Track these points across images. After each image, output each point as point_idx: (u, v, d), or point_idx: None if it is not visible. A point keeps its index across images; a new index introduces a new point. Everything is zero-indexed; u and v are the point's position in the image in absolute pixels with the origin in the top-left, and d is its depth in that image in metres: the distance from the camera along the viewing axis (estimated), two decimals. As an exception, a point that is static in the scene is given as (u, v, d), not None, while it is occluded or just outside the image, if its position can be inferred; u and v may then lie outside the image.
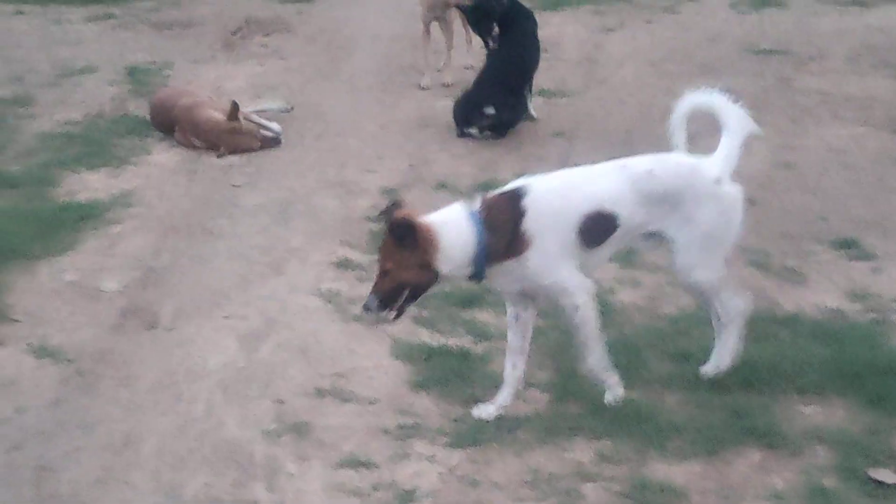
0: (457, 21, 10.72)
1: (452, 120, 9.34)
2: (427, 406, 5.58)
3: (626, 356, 5.87)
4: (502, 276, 5.31)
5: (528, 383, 5.67)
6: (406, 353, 6.04)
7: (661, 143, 8.88)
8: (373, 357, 6.02)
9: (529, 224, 5.21)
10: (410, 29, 11.43)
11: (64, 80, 10.65)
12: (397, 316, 5.30)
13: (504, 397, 5.48)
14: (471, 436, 5.29)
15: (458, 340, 6.15)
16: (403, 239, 5.08)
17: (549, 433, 5.31)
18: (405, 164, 8.72)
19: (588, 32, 12.20)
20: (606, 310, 6.39)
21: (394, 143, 9.20)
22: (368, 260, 7.06)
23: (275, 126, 9.19)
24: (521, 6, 9.68)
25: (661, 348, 6.07)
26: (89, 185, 8.30)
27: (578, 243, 5.31)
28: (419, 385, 5.75)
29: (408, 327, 6.27)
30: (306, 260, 7.12)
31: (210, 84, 10.47)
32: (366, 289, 6.55)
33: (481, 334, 6.22)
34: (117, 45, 11.78)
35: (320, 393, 5.66)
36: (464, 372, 5.82)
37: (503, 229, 5.21)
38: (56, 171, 8.50)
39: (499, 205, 5.28)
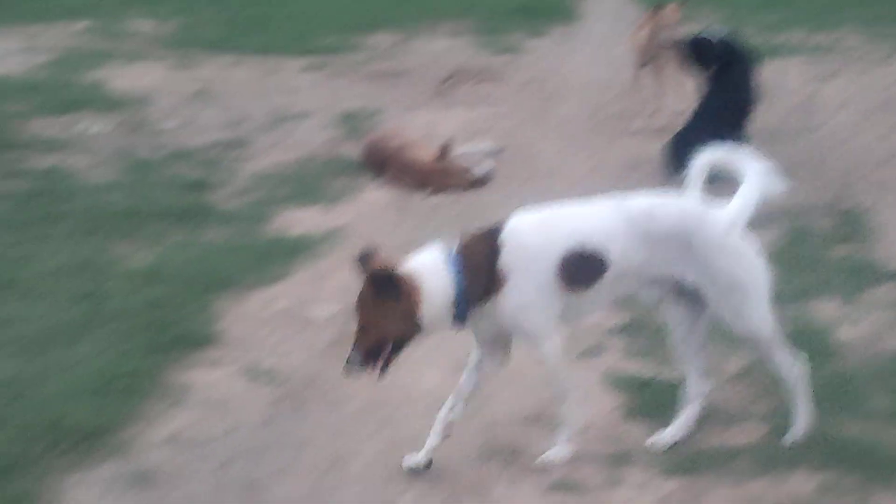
0: (669, 65, 10.56)
1: (664, 163, 9.15)
2: (640, 435, 5.38)
3: (846, 391, 5.61)
4: (482, 319, 4.97)
5: (744, 415, 5.45)
6: (619, 382, 5.87)
7: (879, 189, 8.67)
8: (584, 385, 5.85)
9: (505, 261, 4.88)
10: (621, 76, 11.34)
11: (279, 125, 10.87)
12: (383, 370, 4.95)
13: (433, 441, 5.12)
14: (685, 465, 5.08)
15: (671, 372, 5.93)
16: (385, 290, 4.75)
17: (767, 464, 5.07)
18: (615, 204, 8.55)
19: (803, 79, 11.94)
20: (825, 346, 6.15)
21: (603, 185, 8.99)
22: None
23: (484, 166, 9.17)
24: (740, 45, 9.45)
25: (883, 384, 5.77)
26: (301, 221, 8.40)
27: (560, 284, 4.95)
28: (632, 414, 5.57)
29: (620, 358, 6.11)
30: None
31: (421, 129, 10.53)
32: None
33: (696, 366, 5.99)
34: (331, 93, 12.00)
35: (530, 419, 5.53)
36: (677, 402, 5.60)
37: (480, 269, 4.89)
38: (269, 209, 8.64)
39: (476, 243, 4.97)
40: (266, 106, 11.47)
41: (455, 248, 4.94)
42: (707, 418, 5.41)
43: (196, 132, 10.74)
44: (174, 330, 6.40)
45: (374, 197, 8.94)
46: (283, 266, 7.49)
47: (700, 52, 9.36)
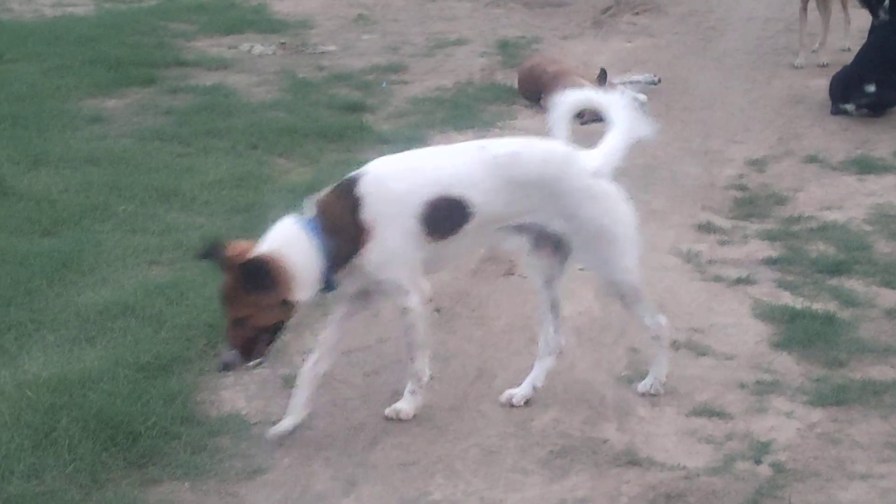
0: (835, 1, 10.32)
1: (828, 96, 8.97)
2: (787, 365, 5.34)
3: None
4: (349, 277, 4.67)
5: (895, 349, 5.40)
6: (768, 313, 5.82)
7: None
8: (732, 315, 5.83)
9: (368, 212, 4.58)
10: (785, 12, 11.16)
11: (437, 52, 10.94)
12: (261, 362, 4.76)
13: (297, 399, 4.78)
14: (833, 396, 5.02)
15: (824, 305, 5.87)
16: (255, 281, 4.41)
17: (920, 398, 4.99)
18: (774, 137, 8.47)
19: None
20: None
21: (763, 117, 8.94)
22: (731, 225, 6.92)
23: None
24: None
25: None
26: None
27: (423, 234, 4.68)
28: (780, 345, 5.52)
29: (770, 290, 6.07)
30: (666, 221, 7.00)
31: (578, 58, 10.49)
32: (726, 252, 6.50)
33: (848, 300, 5.92)
34: (489, 21, 12.03)
35: (676, 345, 5.50)
36: (828, 335, 5.54)
37: (343, 227, 4.58)
38: (425, 131, 8.72)
39: (333, 202, 4.65)
40: (424, 33, 11.55)
41: (311, 212, 4.64)
42: (857, 353, 5.35)
43: (355, 56, 10.87)
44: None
45: (528, 124, 8.93)
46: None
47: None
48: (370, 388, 5.18)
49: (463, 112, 9.14)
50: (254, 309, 4.47)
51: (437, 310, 5.92)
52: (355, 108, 9.23)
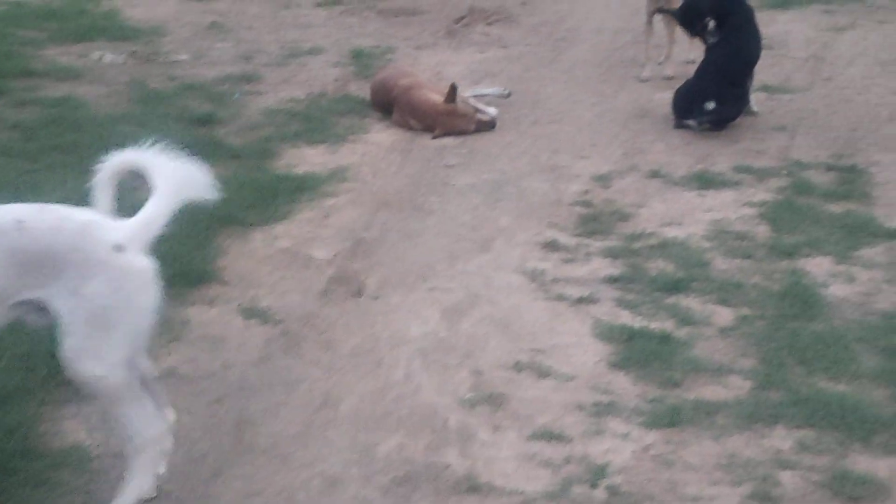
0: (680, 14, 10.56)
1: (671, 111, 9.20)
2: (624, 386, 5.51)
3: (834, 349, 5.73)
4: None
5: (729, 369, 5.58)
6: (607, 333, 5.97)
7: (888, 144, 8.71)
8: (573, 335, 5.97)
9: None
10: (633, 23, 11.38)
11: (290, 61, 10.91)
12: None
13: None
14: (667, 417, 5.20)
15: (661, 323, 6.05)
16: None
17: (748, 419, 5.19)
18: (619, 151, 8.64)
19: (816, 31, 11.93)
20: (816, 302, 6.25)
21: (609, 131, 9.12)
22: (575, 242, 7.07)
23: (491, 110, 9.23)
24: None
25: (872, 343, 5.88)
26: (307, 159, 8.48)
27: None
28: (617, 365, 5.68)
29: (611, 308, 6.23)
30: (513, 239, 7.12)
31: (431, 69, 10.58)
32: (570, 270, 6.66)
33: (685, 319, 6.11)
34: (344, 30, 12.02)
35: (518, 367, 5.65)
36: (664, 354, 5.73)
37: None
38: (276, 145, 8.71)
39: None
40: (278, 41, 11.51)
41: None
42: (691, 373, 5.54)
43: (208, 65, 10.79)
44: (175, 265, 6.44)
45: (381, 138, 8.99)
46: (288, 204, 7.58)
47: (692, 10, 9.45)
48: (214, 417, 5.19)
49: (316, 125, 9.15)
50: None
51: (285, 333, 5.96)
52: (207, 120, 9.17)
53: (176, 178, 4.37)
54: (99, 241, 4.18)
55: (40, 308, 4.20)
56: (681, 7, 9.73)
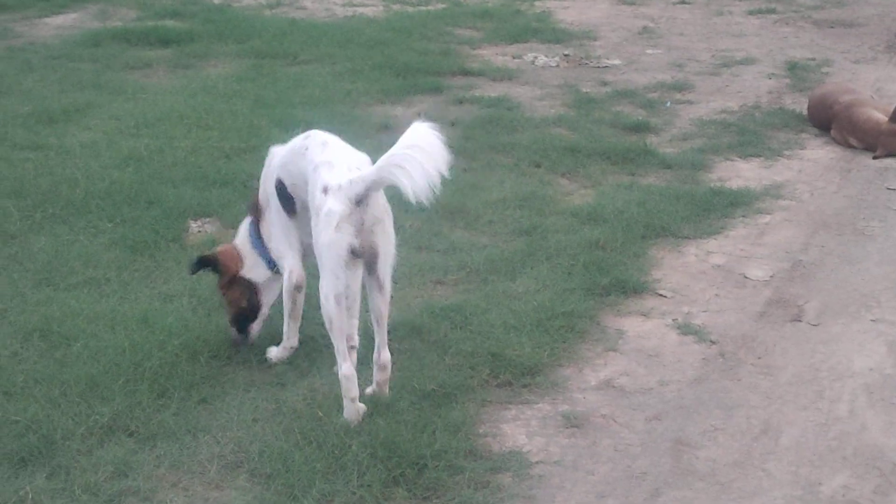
0: None
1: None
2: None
3: None
4: None
5: None
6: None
7: None
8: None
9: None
10: None
11: (723, 70, 10.75)
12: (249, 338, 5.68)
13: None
14: None
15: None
16: (211, 267, 5.61)
17: None
18: None
19: None
20: None
21: None
22: None
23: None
24: None
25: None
26: (741, 173, 8.31)
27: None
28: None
29: None
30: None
31: (870, 85, 10.14)
32: None
33: None
34: (777, 40, 11.74)
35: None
36: None
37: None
38: (709, 157, 8.59)
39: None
40: (710, 49, 11.36)
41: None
42: None
43: (639, 71, 10.78)
44: (611, 274, 6.49)
45: (818, 155, 8.70)
46: (721, 219, 7.44)
47: None
48: (652, 435, 5.12)
49: (750, 138, 8.95)
50: (223, 289, 5.62)
51: (722, 353, 5.82)
52: (639, 128, 9.16)
53: (411, 156, 4.68)
54: (316, 183, 4.92)
55: None
56: None
